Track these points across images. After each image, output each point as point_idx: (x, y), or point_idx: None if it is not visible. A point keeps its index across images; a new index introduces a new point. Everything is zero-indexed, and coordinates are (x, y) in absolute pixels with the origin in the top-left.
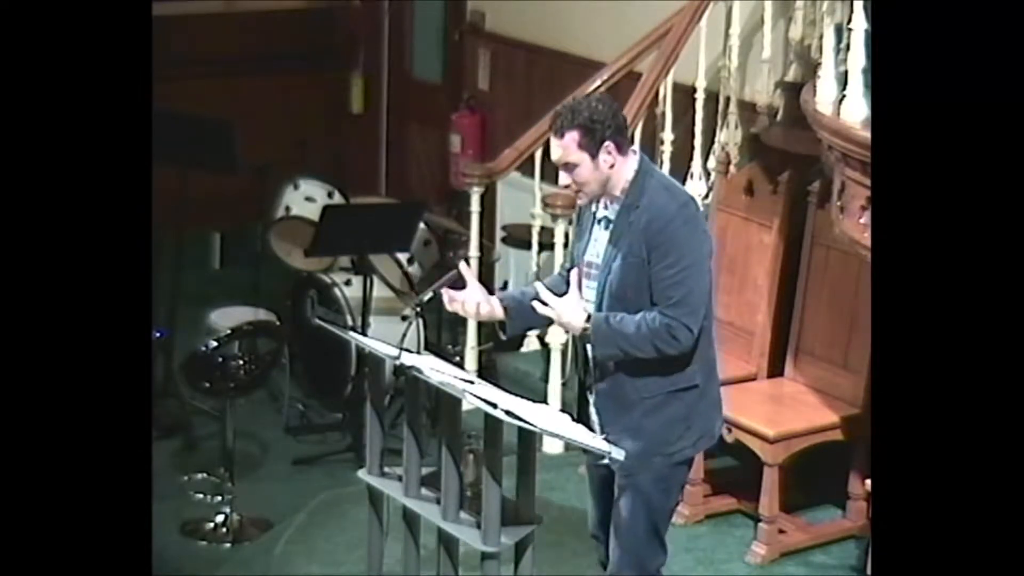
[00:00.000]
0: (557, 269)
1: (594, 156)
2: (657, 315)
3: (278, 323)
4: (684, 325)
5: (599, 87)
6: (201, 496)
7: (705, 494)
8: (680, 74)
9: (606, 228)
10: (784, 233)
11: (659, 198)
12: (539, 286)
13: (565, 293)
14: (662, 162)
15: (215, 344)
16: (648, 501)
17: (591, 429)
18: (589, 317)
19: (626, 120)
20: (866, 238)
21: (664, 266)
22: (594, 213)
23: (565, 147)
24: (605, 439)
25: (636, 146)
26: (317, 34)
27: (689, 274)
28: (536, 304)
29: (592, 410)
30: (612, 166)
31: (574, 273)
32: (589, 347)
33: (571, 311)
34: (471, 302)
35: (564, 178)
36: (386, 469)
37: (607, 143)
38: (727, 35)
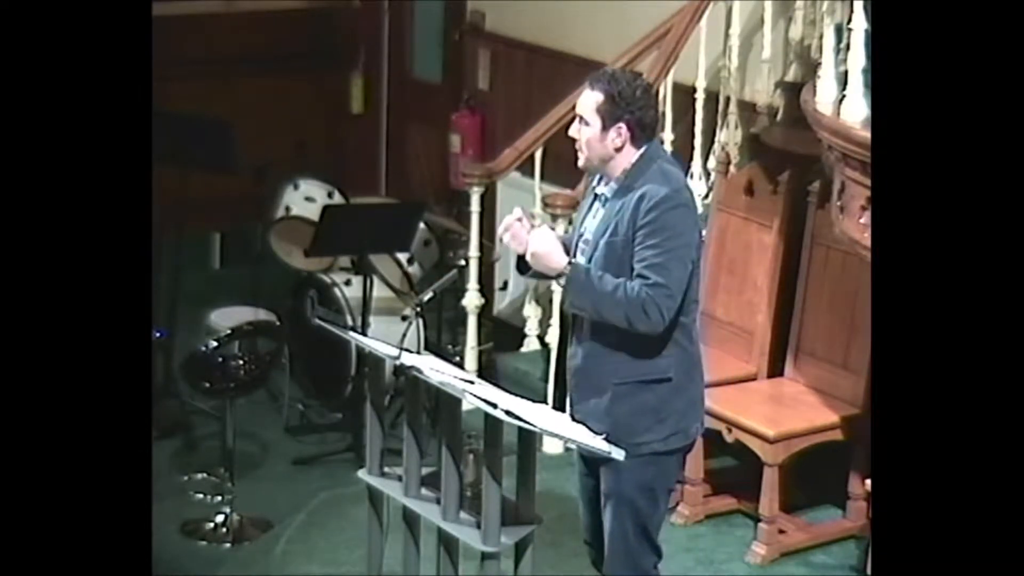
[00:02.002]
0: None
1: (605, 128)
2: (636, 284)
3: (278, 323)
4: (658, 306)
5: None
6: (201, 496)
7: (705, 494)
8: (680, 74)
9: (603, 206)
10: (784, 233)
11: (654, 180)
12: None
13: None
14: None
15: (215, 344)
16: (634, 508)
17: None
18: (568, 263)
19: (655, 118)
20: (866, 238)
21: (648, 246)
22: (594, 188)
23: (588, 99)
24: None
25: (650, 139)
26: (317, 34)
27: (672, 258)
28: (503, 228)
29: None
30: (618, 149)
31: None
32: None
33: (545, 244)
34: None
35: (574, 129)
36: (386, 469)
37: (621, 124)
38: (727, 35)
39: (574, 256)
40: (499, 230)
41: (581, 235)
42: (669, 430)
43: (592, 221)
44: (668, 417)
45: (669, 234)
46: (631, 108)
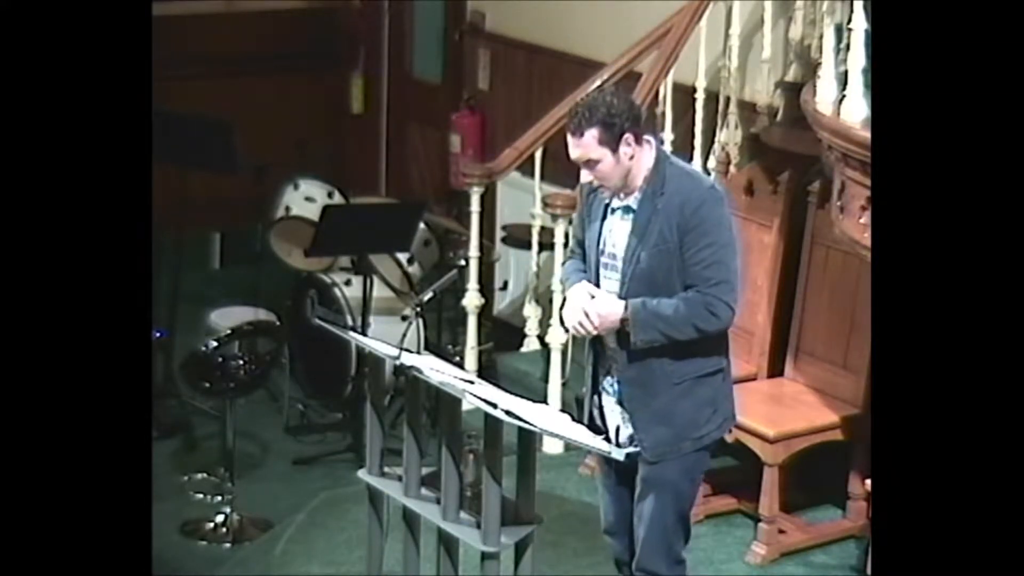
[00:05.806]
0: (559, 263)
1: (615, 151)
2: (694, 294)
3: (278, 323)
4: (724, 302)
5: (599, 87)
6: (201, 496)
7: (705, 494)
8: (680, 74)
9: (624, 217)
10: (784, 233)
11: (685, 183)
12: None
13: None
14: None
15: (215, 344)
16: (678, 494)
17: (604, 422)
18: (625, 306)
19: (641, 109)
20: (866, 238)
21: (701, 247)
22: (607, 203)
23: (585, 145)
24: (630, 434)
25: (650, 136)
26: (317, 34)
27: (725, 253)
28: (568, 311)
29: (612, 398)
30: (632, 157)
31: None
32: (609, 337)
33: (608, 306)
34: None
35: (586, 175)
36: (386, 469)
37: (626, 135)
38: (727, 35)
39: (597, 273)
40: (567, 315)
41: (602, 251)
42: (722, 417)
43: (618, 235)
44: (721, 405)
45: (720, 230)
46: (623, 117)
